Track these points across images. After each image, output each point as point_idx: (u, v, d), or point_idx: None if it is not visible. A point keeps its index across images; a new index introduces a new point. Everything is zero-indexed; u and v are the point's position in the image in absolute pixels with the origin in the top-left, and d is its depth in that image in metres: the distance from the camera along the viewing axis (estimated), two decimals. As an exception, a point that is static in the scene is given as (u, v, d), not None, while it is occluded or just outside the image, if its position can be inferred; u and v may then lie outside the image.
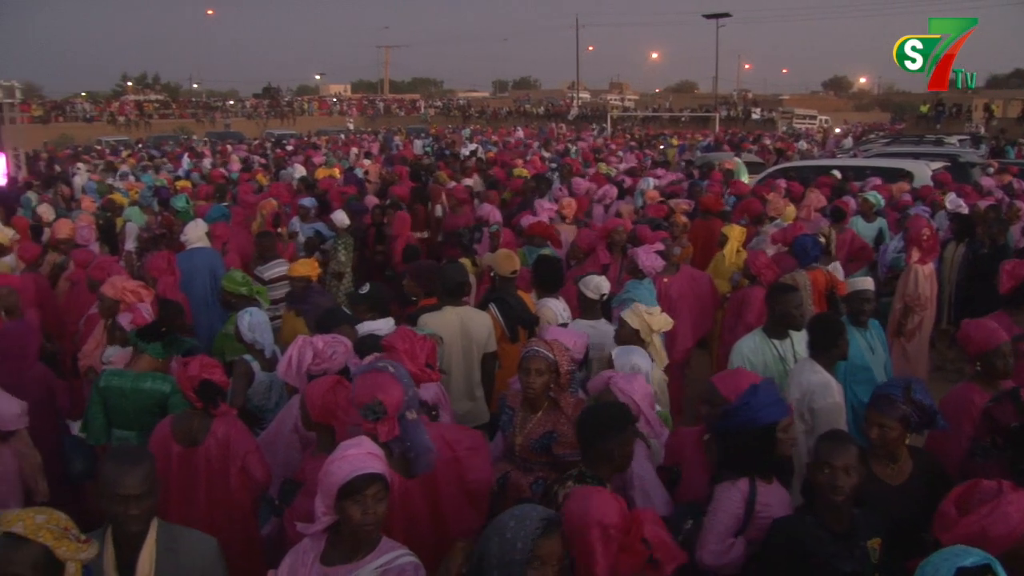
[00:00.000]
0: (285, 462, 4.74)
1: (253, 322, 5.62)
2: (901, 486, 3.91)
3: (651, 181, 13.86)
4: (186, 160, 25.54)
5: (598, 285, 6.15)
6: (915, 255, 8.36)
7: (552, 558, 2.75)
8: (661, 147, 31.68)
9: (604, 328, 5.95)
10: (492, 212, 10.14)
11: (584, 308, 6.22)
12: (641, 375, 4.49)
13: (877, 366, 5.91)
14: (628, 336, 5.23)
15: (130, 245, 10.90)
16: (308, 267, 7.41)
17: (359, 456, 3.07)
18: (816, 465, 3.45)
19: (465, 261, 7.71)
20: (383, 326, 5.45)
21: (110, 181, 18.93)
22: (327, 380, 4.25)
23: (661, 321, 5.30)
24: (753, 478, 3.73)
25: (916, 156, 18.11)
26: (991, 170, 16.98)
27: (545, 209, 10.28)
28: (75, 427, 5.48)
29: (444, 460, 3.91)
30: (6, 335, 5.69)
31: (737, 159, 20.67)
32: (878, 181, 13.12)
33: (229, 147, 31.63)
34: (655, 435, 4.36)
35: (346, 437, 3.40)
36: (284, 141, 36.88)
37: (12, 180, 15.76)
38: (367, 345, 4.94)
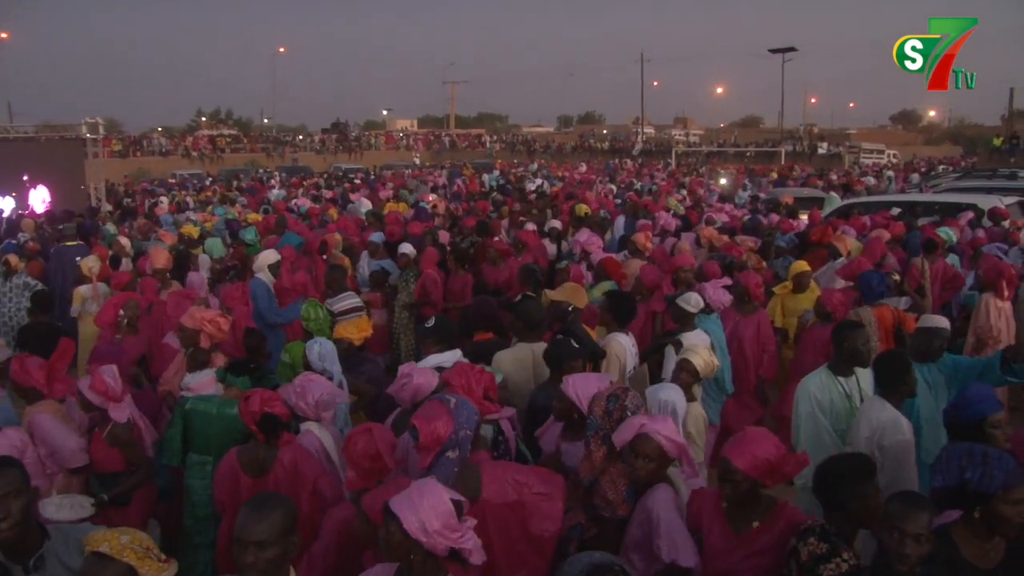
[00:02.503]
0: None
1: (323, 352, 5.73)
2: (994, 571, 3.52)
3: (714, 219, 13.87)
4: (275, 191, 26.49)
5: (697, 301, 6.88)
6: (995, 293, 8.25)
7: None
8: (723, 180, 31.38)
9: (696, 338, 6.43)
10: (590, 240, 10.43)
11: (682, 321, 6.84)
12: (669, 417, 4.31)
13: (937, 402, 5.69)
14: (690, 378, 5.27)
15: (199, 275, 11.22)
16: (353, 329, 6.59)
17: (394, 489, 3.19)
18: (886, 526, 3.36)
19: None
20: (449, 358, 5.50)
21: (187, 214, 19.50)
22: (361, 429, 4.07)
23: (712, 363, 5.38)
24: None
25: (988, 191, 17.77)
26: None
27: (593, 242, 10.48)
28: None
29: (504, 503, 3.84)
30: (100, 355, 6.01)
31: (833, 194, 20.71)
32: (971, 215, 13.17)
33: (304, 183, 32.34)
34: (691, 476, 4.29)
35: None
36: (351, 175, 37.57)
37: (68, 212, 16.35)
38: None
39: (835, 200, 18.54)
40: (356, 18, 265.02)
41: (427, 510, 3.04)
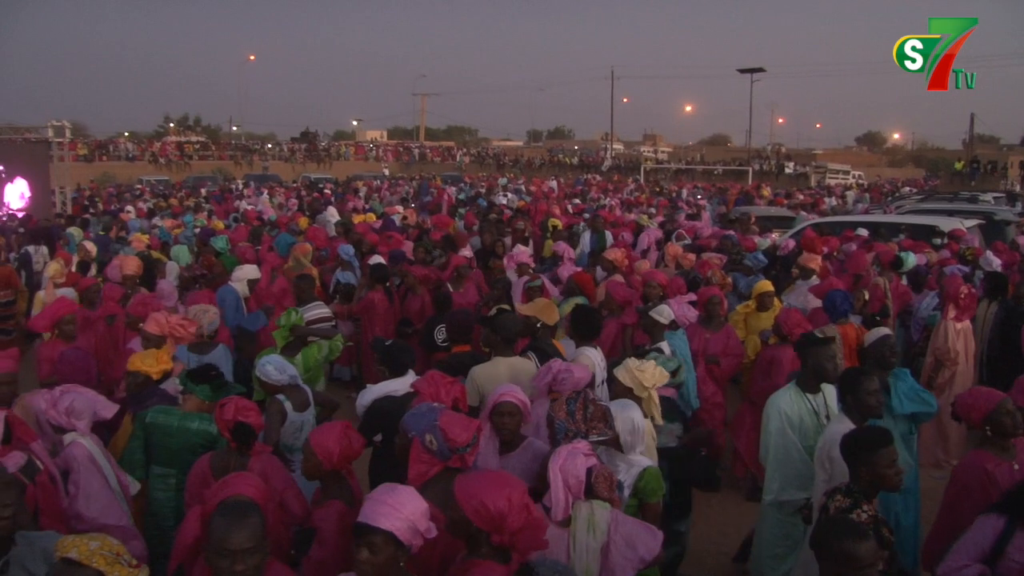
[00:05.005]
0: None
1: (278, 364, 5.72)
2: None
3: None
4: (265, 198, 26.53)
5: (669, 313, 7.10)
6: (951, 312, 8.42)
7: None
8: (699, 198, 31.75)
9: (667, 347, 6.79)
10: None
11: (653, 333, 7.05)
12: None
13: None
14: (622, 392, 5.18)
15: (168, 283, 11.13)
16: (152, 361, 5.78)
17: (376, 504, 3.18)
18: (830, 557, 3.31)
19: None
20: (399, 386, 5.49)
21: (154, 220, 19.31)
22: (336, 426, 4.27)
23: (655, 376, 5.26)
24: (1014, 520, 3.78)
25: (950, 213, 18.09)
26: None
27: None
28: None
29: None
30: (70, 360, 5.91)
31: (803, 213, 20.98)
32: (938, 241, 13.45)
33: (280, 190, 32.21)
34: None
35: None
36: (320, 185, 37.42)
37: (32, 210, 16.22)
38: (378, 411, 5.19)
39: (804, 219, 18.77)
40: (327, 28, 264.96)
41: (412, 511, 3.16)
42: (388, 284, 10.02)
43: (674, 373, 6.03)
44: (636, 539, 3.83)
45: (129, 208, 20.89)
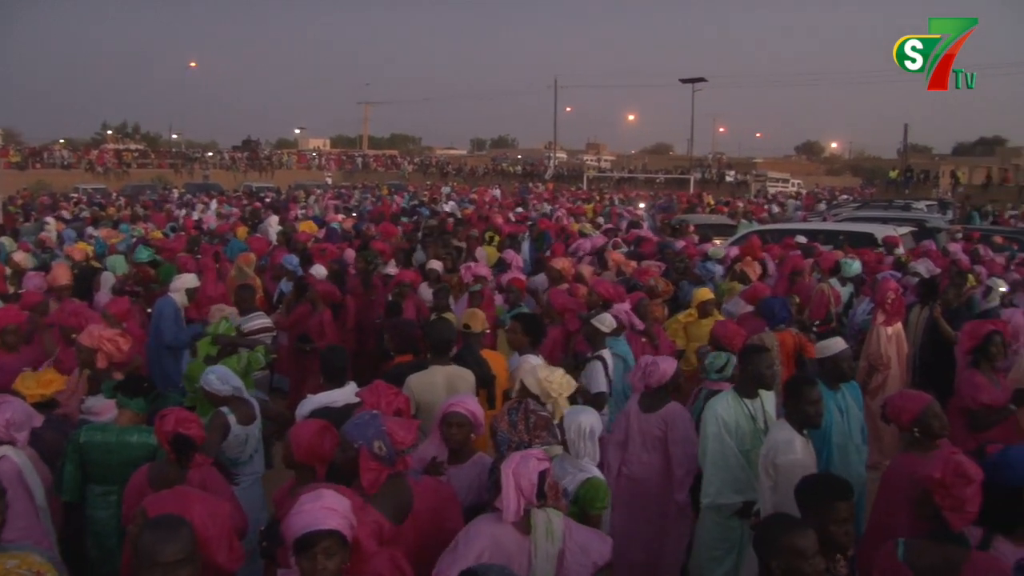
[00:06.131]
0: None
1: (221, 374, 5.65)
2: None
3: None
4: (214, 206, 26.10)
5: (611, 321, 7.17)
6: (880, 317, 8.63)
7: None
8: (642, 205, 32.09)
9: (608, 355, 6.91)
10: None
11: (595, 341, 7.05)
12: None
13: (850, 428, 5.95)
14: (522, 396, 5.12)
15: (105, 294, 10.90)
16: (32, 383, 5.54)
17: (312, 511, 3.17)
18: (773, 552, 3.38)
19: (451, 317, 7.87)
20: (338, 397, 5.46)
21: (89, 230, 18.88)
22: (316, 423, 4.42)
23: (563, 385, 5.25)
24: (991, 530, 3.78)
25: (885, 221, 18.52)
26: (959, 235, 17.40)
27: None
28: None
29: (428, 509, 4.09)
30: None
31: (745, 220, 21.31)
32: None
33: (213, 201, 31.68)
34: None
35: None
36: (262, 194, 37.01)
37: None
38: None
39: (746, 227, 19.06)
40: (270, 35, 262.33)
41: (346, 509, 3.21)
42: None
43: (722, 368, 6.19)
44: (589, 545, 3.88)
45: (48, 220, 20.20)
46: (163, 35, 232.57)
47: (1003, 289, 10.33)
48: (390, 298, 9.42)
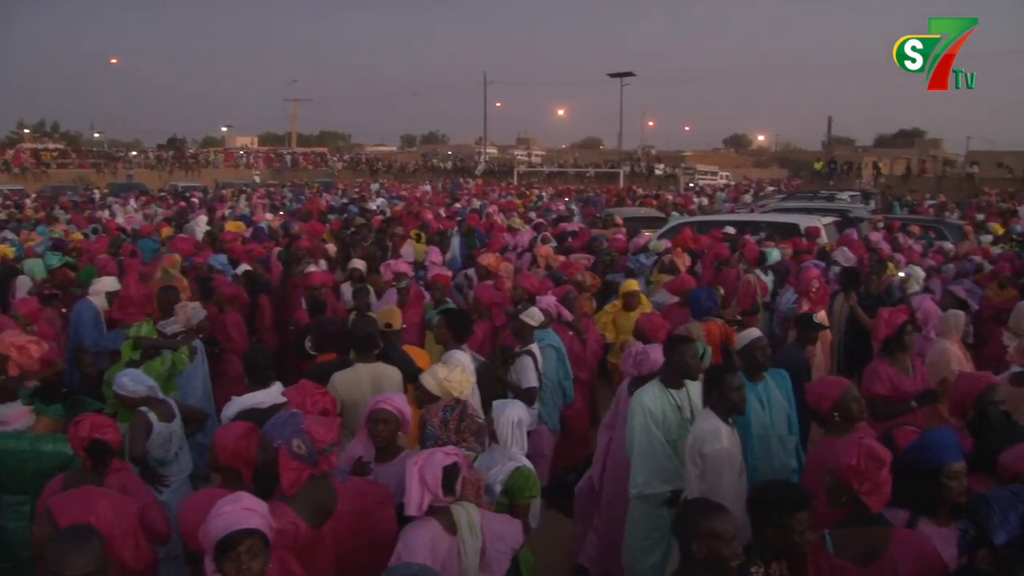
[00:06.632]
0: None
1: (132, 376, 5.55)
2: None
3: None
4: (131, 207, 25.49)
5: (539, 315, 7.25)
6: (804, 305, 8.80)
7: None
8: (567, 200, 32.28)
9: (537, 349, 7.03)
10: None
11: (523, 335, 7.08)
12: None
13: (773, 419, 5.85)
14: (428, 399, 5.07)
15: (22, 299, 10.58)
16: None
17: (233, 512, 3.14)
18: (695, 536, 3.42)
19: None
20: (264, 398, 5.39)
21: (5, 233, 18.34)
22: (240, 426, 4.39)
23: (462, 384, 5.26)
24: (916, 512, 3.86)
25: (809, 211, 18.89)
26: (880, 225, 17.84)
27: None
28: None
29: (354, 512, 4.03)
30: None
31: (676, 213, 21.50)
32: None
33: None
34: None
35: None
36: (188, 193, 36.27)
37: None
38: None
39: (677, 219, 19.27)
40: (195, 31, 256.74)
41: (264, 510, 3.23)
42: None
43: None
44: (504, 532, 3.90)
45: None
46: (83, 30, 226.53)
47: (921, 276, 10.65)
48: (304, 299, 9.30)
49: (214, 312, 8.87)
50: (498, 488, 4.45)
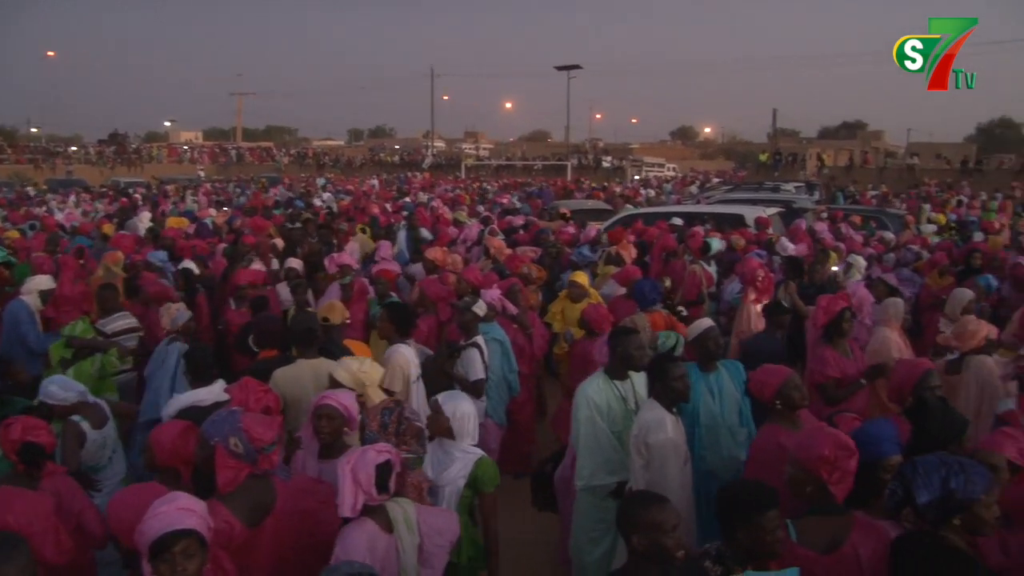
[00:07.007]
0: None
1: (60, 383, 5.40)
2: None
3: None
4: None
5: (484, 307, 7.35)
6: (751, 295, 8.88)
7: None
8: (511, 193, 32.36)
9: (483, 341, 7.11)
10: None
11: (468, 328, 7.14)
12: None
13: (723, 409, 5.84)
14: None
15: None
16: None
17: (168, 512, 3.09)
18: (638, 528, 3.40)
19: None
20: (206, 395, 5.25)
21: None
22: (177, 425, 4.33)
23: (374, 375, 5.32)
24: (850, 504, 3.82)
25: (754, 202, 19.09)
26: (824, 215, 18.11)
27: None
28: None
29: (297, 511, 3.98)
30: None
31: (628, 205, 21.68)
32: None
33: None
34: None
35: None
36: (130, 189, 35.57)
37: None
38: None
39: (627, 211, 19.36)
40: (136, 24, 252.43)
41: (202, 510, 3.20)
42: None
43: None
44: (441, 525, 3.90)
45: None
46: (17, 22, 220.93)
47: (863, 265, 10.81)
48: (233, 299, 9.14)
49: (140, 310, 8.70)
50: (461, 483, 4.47)
